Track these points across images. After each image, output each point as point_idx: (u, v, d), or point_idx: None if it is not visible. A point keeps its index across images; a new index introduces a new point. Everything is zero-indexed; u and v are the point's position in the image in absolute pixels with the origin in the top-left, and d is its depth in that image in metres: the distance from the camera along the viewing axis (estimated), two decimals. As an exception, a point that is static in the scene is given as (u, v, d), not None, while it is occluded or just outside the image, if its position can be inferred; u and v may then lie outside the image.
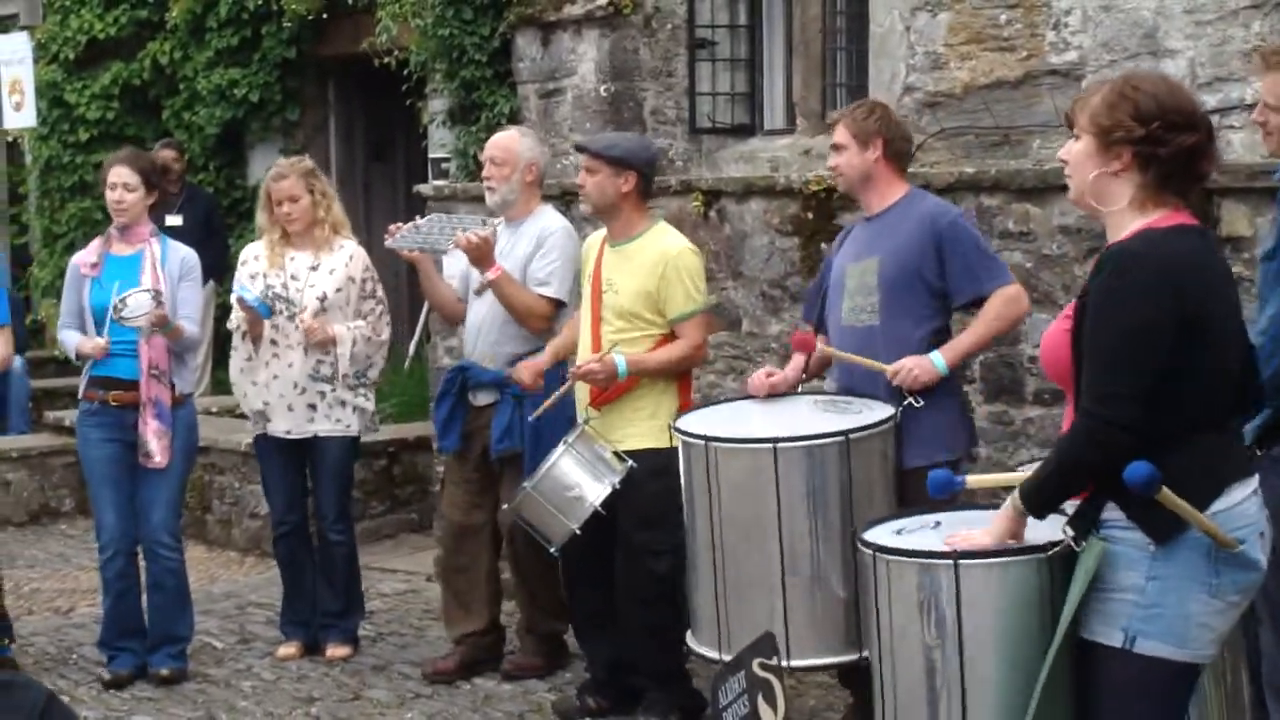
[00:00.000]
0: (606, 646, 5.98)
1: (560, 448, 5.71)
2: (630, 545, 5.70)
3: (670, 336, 5.72)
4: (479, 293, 6.33)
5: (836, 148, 5.31)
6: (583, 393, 5.80)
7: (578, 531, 5.66)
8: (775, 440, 4.88)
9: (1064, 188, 5.74)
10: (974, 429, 5.43)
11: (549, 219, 6.34)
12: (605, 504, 5.64)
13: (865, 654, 4.81)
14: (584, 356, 5.76)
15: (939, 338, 5.19)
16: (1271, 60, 4.34)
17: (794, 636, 4.87)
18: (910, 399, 5.05)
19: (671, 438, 5.43)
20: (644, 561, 5.67)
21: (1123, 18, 6.20)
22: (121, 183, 6.47)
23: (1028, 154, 6.44)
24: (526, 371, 6.07)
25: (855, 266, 5.25)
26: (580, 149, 5.97)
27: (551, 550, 5.81)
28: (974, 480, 4.04)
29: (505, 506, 5.98)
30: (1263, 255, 4.39)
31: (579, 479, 5.67)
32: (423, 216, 6.48)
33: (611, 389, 5.68)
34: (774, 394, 5.37)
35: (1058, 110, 6.34)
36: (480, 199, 6.72)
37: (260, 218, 6.77)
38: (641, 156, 5.83)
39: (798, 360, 5.44)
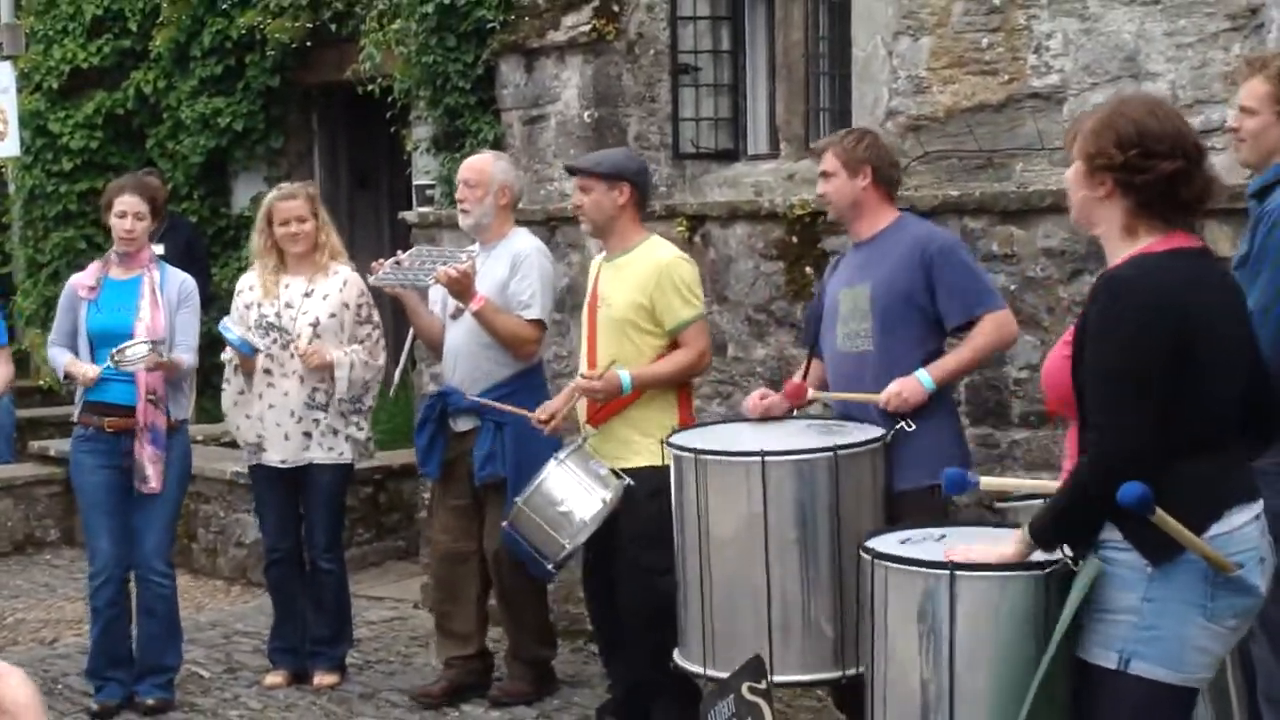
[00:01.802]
0: (626, 667, 5.95)
1: (551, 463, 5.67)
2: (631, 565, 5.67)
3: (672, 347, 5.72)
4: (455, 317, 6.33)
5: (825, 175, 5.32)
6: (582, 409, 5.79)
7: (566, 545, 5.62)
8: (764, 454, 4.88)
9: (1047, 210, 5.89)
10: (968, 453, 5.41)
11: (522, 241, 6.36)
12: (603, 519, 5.59)
13: (849, 672, 4.85)
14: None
15: (934, 361, 5.19)
16: (1255, 65, 4.45)
17: (778, 652, 4.86)
18: (903, 422, 5.05)
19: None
20: (647, 581, 5.61)
21: (1104, 41, 6.22)
22: (133, 211, 6.47)
23: (1011, 176, 6.46)
24: (545, 413, 5.97)
25: (848, 292, 5.26)
26: (571, 170, 6.00)
27: (549, 568, 5.78)
28: (986, 482, 4.10)
29: (504, 524, 5.91)
30: (1236, 263, 4.46)
31: (568, 494, 5.63)
32: (405, 250, 6.47)
33: (611, 403, 5.67)
34: (768, 416, 5.37)
35: (1040, 133, 6.38)
36: (465, 226, 6.72)
37: (255, 242, 6.71)
38: (631, 167, 5.88)
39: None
